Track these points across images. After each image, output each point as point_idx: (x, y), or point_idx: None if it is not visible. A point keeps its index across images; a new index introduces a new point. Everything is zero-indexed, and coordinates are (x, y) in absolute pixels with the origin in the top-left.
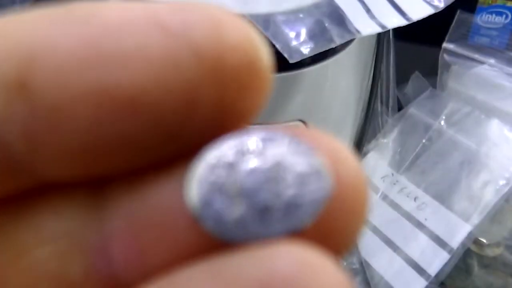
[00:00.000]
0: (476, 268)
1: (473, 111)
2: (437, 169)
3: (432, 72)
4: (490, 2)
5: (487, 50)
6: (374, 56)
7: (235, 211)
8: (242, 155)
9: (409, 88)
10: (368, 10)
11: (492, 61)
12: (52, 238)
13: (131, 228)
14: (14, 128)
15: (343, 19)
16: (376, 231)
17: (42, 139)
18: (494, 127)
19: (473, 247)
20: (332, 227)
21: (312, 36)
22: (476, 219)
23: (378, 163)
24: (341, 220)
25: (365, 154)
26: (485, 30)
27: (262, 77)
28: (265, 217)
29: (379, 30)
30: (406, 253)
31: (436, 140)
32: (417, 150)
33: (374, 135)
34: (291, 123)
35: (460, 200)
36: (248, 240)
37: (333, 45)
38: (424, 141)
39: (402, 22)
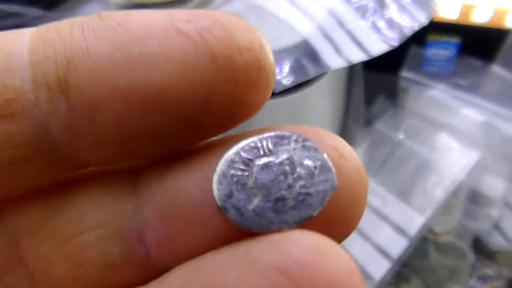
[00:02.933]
0: (432, 253)
1: (426, 127)
2: (399, 173)
3: (393, 95)
4: (437, 38)
5: (437, 77)
6: (347, 84)
7: (252, 202)
8: (256, 152)
9: (376, 108)
10: (336, 49)
11: (441, 86)
12: (93, 226)
13: (163, 217)
14: (57, 122)
15: (316, 57)
16: None
17: (81, 131)
18: (443, 139)
19: (429, 235)
20: (336, 215)
21: (292, 70)
22: (429, 212)
23: None
24: (345, 209)
25: None
26: (434, 61)
27: (267, 73)
28: (279, 206)
29: (345, 64)
30: (374, 241)
31: (397, 151)
32: (382, 158)
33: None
34: None
35: (416, 197)
36: (265, 228)
37: (308, 78)
38: (388, 151)
39: (364, 57)
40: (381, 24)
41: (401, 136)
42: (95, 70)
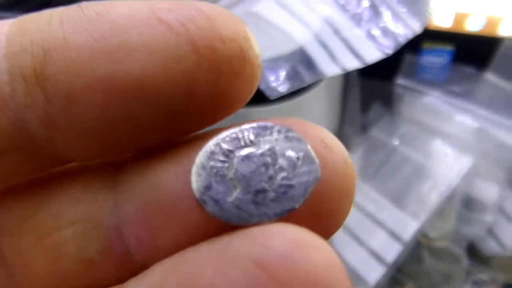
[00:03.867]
0: (426, 258)
1: (421, 133)
2: (393, 179)
3: (389, 102)
4: (431, 46)
5: (431, 84)
6: (343, 90)
7: (232, 194)
8: (237, 143)
9: (372, 115)
10: (332, 56)
11: (435, 93)
12: (71, 221)
13: (142, 212)
14: (34, 114)
15: (312, 64)
16: (345, 228)
17: (59, 124)
18: (437, 145)
19: (424, 240)
20: (322, 209)
21: (288, 78)
22: (423, 218)
23: None
24: (331, 202)
25: None
26: (428, 68)
27: (252, 64)
28: (260, 199)
29: (340, 71)
30: (369, 246)
31: (392, 156)
32: (377, 164)
33: None
34: None
35: (410, 203)
36: (245, 220)
37: (304, 85)
38: (383, 157)
39: (358, 65)
40: (376, 32)
41: (396, 142)
42: (73, 61)
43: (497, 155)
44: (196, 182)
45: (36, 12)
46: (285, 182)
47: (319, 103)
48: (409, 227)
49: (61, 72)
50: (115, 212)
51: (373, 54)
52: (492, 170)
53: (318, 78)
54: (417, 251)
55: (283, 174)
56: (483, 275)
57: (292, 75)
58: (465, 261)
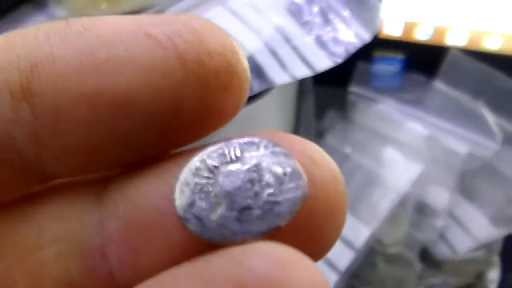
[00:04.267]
0: (380, 264)
1: (373, 140)
2: (347, 186)
3: (343, 109)
4: (383, 54)
5: (384, 92)
6: (297, 98)
7: (216, 211)
8: (222, 159)
9: (326, 122)
10: (282, 65)
11: (387, 100)
12: (53, 240)
13: (125, 230)
14: (21, 130)
15: (262, 72)
16: None
17: (46, 139)
18: (388, 152)
19: (378, 247)
20: (311, 227)
21: None
22: (375, 224)
23: None
24: (319, 221)
25: None
26: (381, 76)
27: (240, 78)
28: (244, 216)
29: (290, 80)
30: None
31: (345, 164)
32: None
33: None
34: None
35: (363, 210)
36: (229, 239)
37: (253, 93)
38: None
39: (309, 73)
40: (326, 40)
41: (348, 150)
42: (60, 76)
43: (446, 162)
44: (179, 199)
45: (23, 28)
46: (271, 198)
47: (272, 111)
48: (361, 234)
49: (48, 87)
50: (98, 231)
51: (323, 63)
52: (442, 176)
53: (267, 87)
54: (371, 257)
55: (269, 190)
56: (435, 279)
57: None
58: (417, 265)
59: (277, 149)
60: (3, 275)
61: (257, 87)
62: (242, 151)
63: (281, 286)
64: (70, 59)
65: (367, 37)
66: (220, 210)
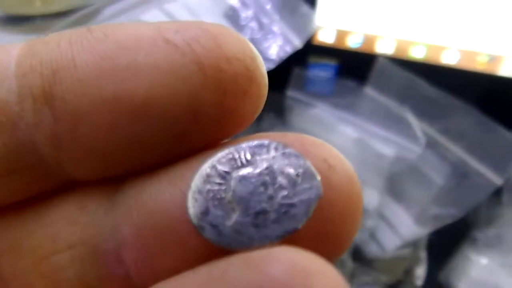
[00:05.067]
0: None
1: None
2: None
3: (280, 113)
4: (317, 61)
5: (319, 97)
6: None
7: (231, 218)
8: (233, 163)
9: (264, 125)
10: None
11: (322, 105)
12: (68, 245)
13: (140, 236)
14: (42, 134)
15: None
16: None
17: (66, 143)
18: None
19: None
20: (327, 231)
21: None
22: None
23: None
24: (336, 225)
25: None
26: (316, 81)
27: (258, 84)
28: (260, 221)
29: None
30: None
31: None
32: None
33: None
34: None
35: None
36: (246, 245)
37: None
38: None
39: None
40: (261, 45)
41: None
42: (81, 81)
43: (375, 164)
44: (192, 208)
45: (46, 35)
46: (286, 201)
47: None
48: None
49: (69, 92)
50: (113, 235)
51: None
52: (371, 178)
53: None
54: None
55: (283, 193)
56: (367, 277)
57: None
58: (350, 264)
59: (287, 151)
60: (19, 278)
61: None
62: (252, 155)
63: None
64: (90, 64)
65: (298, 43)
66: (235, 216)
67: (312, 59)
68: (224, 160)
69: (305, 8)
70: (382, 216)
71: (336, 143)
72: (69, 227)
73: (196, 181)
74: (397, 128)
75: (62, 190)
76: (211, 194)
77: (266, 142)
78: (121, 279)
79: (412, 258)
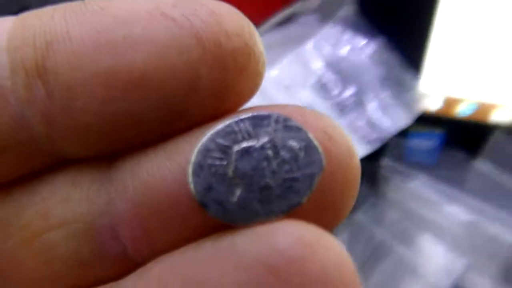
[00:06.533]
0: None
1: (409, 224)
2: (378, 272)
3: (374, 184)
4: (419, 129)
5: (419, 168)
6: None
7: (235, 193)
8: (234, 137)
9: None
10: None
11: (423, 177)
12: (61, 222)
13: (137, 212)
14: (34, 109)
15: None
16: None
17: (59, 119)
18: (426, 240)
19: None
20: (326, 202)
21: None
22: None
23: None
24: (335, 196)
25: None
26: (416, 152)
27: (257, 60)
28: (264, 196)
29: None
30: None
31: (378, 248)
32: (362, 253)
33: None
34: None
35: None
36: (250, 220)
37: None
38: (368, 248)
39: None
40: (361, 123)
41: (382, 236)
42: (76, 54)
43: (489, 250)
44: (195, 184)
45: (40, 8)
46: (290, 175)
47: None
48: None
49: (63, 65)
50: (108, 211)
51: (358, 147)
52: (485, 265)
53: None
54: None
55: (287, 167)
56: None
57: None
58: None
59: (289, 123)
60: (10, 255)
61: None
62: (253, 128)
63: (311, 267)
64: (86, 37)
65: (405, 121)
66: (239, 192)
67: (412, 129)
68: (223, 133)
69: (410, 81)
70: None
71: (443, 225)
72: (61, 204)
73: (196, 156)
74: None
75: (54, 167)
76: (213, 170)
77: (266, 113)
78: (117, 256)
79: None
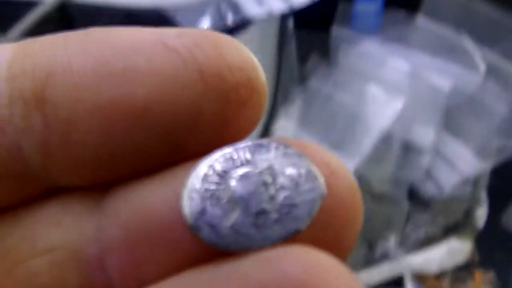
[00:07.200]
0: (367, 202)
1: (355, 79)
2: (331, 126)
3: (326, 52)
4: None
5: (366, 32)
6: (278, 43)
7: (230, 218)
8: (232, 163)
9: (309, 65)
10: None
11: (370, 40)
12: (48, 248)
13: (127, 239)
14: (31, 140)
15: (236, 6)
16: None
17: (56, 150)
18: (371, 90)
19: (363, 185)
20: (327, 238)
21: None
22: (359, 160)
23: (287, 124)
24: (336, 230)
25: (277, 118)
26: (362, 16)
27: (259, 94)
28: (261, 221)
29: (266, 15)
30: None
31: (329, 104)
32: (316, 113)
33: (283, 103)
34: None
35: (347, 147)
36: (245, 247)
37: (227, 27)
38: (320, 106)
39: (285, 8)
40: None
41: (331, 90)
42: (76, 86)
43: (430, 99)
44: (188, 207)
45: (41, 36)
46: (288, 201)
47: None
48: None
49: (62, 96)
50: (97, 239)
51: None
52: (426, 113)
53: (242, 20)
54: None
55: (285, 193)
56: (424, 218)
57: (216, 16)
58: (405, 205)
59: (289, 151)
60: None
61: (231, 20)
62: (252, 154)
63: None
64: (87, 68)
65: None
66: (235, 216)
67: None
68: (221, 159)
69: None
70: (439, 154)
71: (387, 78)
72: (50, 229)
73: (192, 180)
74: (453, 57)
75: (47, 195)
76: (208, 193)
77: (265, 142)
78: (103, 287)
79: (472, 198)
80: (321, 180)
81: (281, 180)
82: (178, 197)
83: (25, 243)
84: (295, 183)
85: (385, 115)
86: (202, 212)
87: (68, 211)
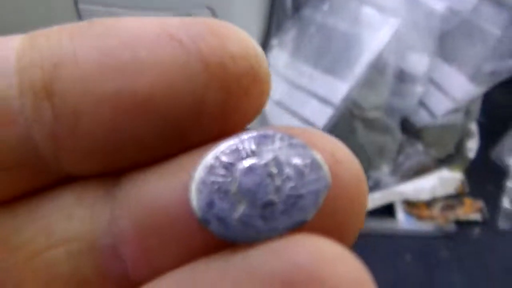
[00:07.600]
0: (360, 129)
1: (350, 2)
2: (324, 50)
3: None
4: None
5: None
6: None
7: (237, 210)
8: (238, 154)
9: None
10: None
11: None
12: (64, 240)
13: (139, 230)
14: (41, 130)
15: None
16: (278, 103)
17: (65, 140)
18: (366, 13)
19: (356, 111)
20: (332, 227)
21: None
22: (352, 81)
23: (281, 54)
24: (341, 219)
25: (270, 48)
26: None
27: (262, 82)
28: (268, 212)
29: None
30: (301, 115)
31: (322, 29)
32: (309, 40)
33: (277, 33)
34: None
35: (341, 69)
36: (253, 238)
37: None
38: (314, 31)
39: None
40: None
41: (326, 15)
42: (82, 77)
43: (427, 24)
44: (197, 200)
45: (47, 28)
46: (294, 192)
47: None
48: (338, 91)
49: (69, 88)
50: (110, 230)
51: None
52: (422, 40)
53: None
54: (350, 122)
55: (291, 184)
56: (416, 148)
57: None
58: (398, 134)
59: (294, 141)
60: (11, 273)
61: None
62: (257, 146)
63: (330, 282)
64: (92, 60)
65: None
66: (242, 209)
67: None
68: (227, 151)
69: None
70: (432, 81)
71: (382, 0)
72: (64, 221)
73: (199, 172)
74: None
75: (58, 184)
76: (215, 186)
77: (271, 132)
78: (118, 276)
79: (464, 128)
80: (326, 169)
81: (286, 171)
82: (185, 190)
83: (41, 235)
84: (301, 173)
85: (380, 36)
86: (210, 205)
87: (81, 202)
